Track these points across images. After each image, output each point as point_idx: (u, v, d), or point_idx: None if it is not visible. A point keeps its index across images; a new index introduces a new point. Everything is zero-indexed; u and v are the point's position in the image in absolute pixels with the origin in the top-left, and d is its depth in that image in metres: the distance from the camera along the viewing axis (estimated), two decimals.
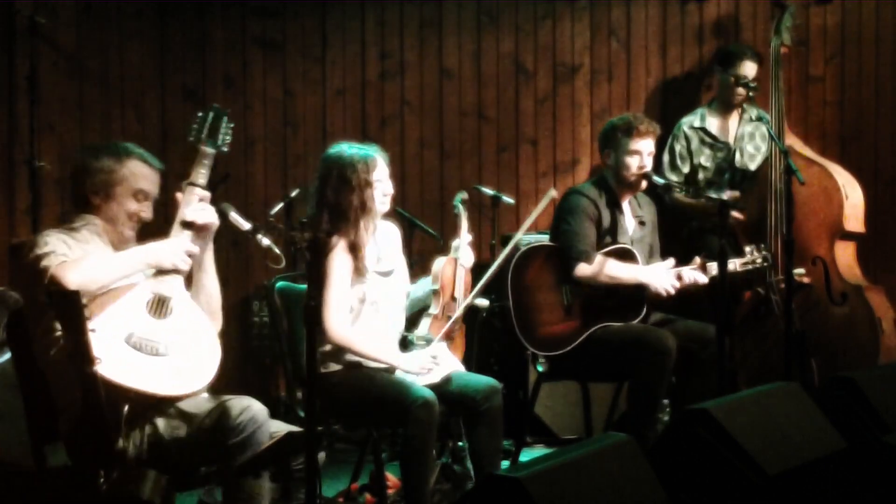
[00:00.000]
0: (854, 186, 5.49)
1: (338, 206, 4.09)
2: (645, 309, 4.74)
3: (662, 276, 4.67)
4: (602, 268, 4.70)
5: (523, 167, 6.37)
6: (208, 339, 3.38)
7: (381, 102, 6.44)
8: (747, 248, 4.74)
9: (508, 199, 5.77)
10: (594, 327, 4.72)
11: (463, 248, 4.45)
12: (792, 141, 5.55)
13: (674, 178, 5.68)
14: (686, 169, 5.74)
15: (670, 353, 4.53)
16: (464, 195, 4.69)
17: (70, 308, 2.90)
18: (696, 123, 5.76)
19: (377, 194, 4.11)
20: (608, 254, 4.75)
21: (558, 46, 6.32)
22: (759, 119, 5.49)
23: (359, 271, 4.08)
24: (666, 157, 5.76)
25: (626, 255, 4.76)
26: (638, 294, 4.73)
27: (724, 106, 5.76)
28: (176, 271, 3.37)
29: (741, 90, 5.58)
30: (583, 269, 4.70)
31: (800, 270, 5.19)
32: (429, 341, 4.25)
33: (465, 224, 4.54)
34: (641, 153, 4.80)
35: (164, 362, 3.24)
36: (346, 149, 4.15)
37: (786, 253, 4.64)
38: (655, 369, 4.53)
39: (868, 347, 5.27)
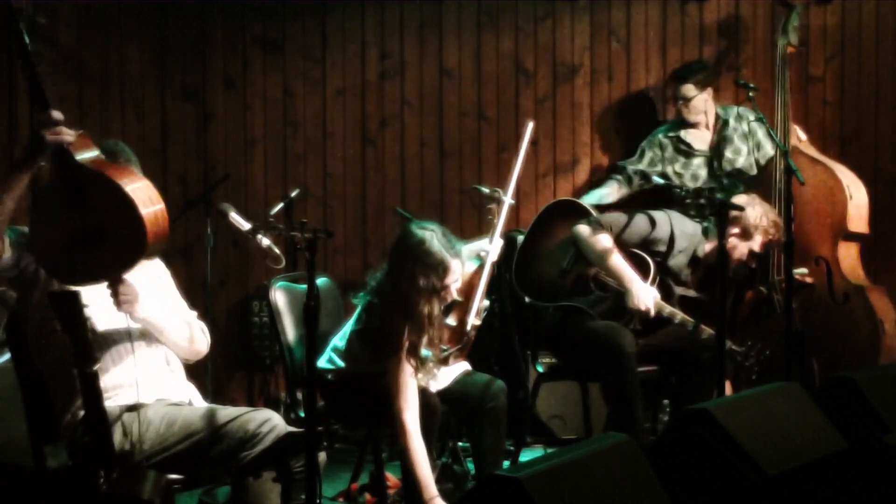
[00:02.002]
0: (858, 187, 5.48)
1: (405, 300, 3.92)
2: (629, 318, 4.76)
3: (648, 294, 4.68)
4: (600, 242, 4.75)
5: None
6: None
7: (381, 102, 6.44)
8: (749, 344, 4.76)
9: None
10: (572, 301, 4.80)
11: (493, 250, 4.42)
12: (797, 141, 5.54)
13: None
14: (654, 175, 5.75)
15: (628, 354, 4.55)
16: (497, 192, 4.69)
17: (70, 308, 2.90)
18: (671, 132, 5.77)
19: (444, 298, 3.97)
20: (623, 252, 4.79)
21: (558, 46, 6.32)
22: (741, 119, 5.50)
23: (416, 369, 3.98)
24: (642, 163, 5.81)
25: (639, 264, 4.77)
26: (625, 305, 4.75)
27: (683, 120, 5.77)
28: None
29: (682, 108, 5.64)
30: (582, 229, 4.79)
31: (802, 270, 5.19)
32: (447, 354, 4.25)
33: (497, 222, 4.53)
34: (750, 250, 4.84)
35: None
36: (433, 242, 3.91)
37: (786, 253, 4.64)
38: (616, 370, 4.56)
39: (869, 348, 5.26)
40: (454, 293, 4.00)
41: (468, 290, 4.32)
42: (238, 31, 6.47)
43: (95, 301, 3.28)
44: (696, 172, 5.72)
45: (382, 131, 6.37)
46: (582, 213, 4.98)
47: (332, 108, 6.45)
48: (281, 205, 5.66)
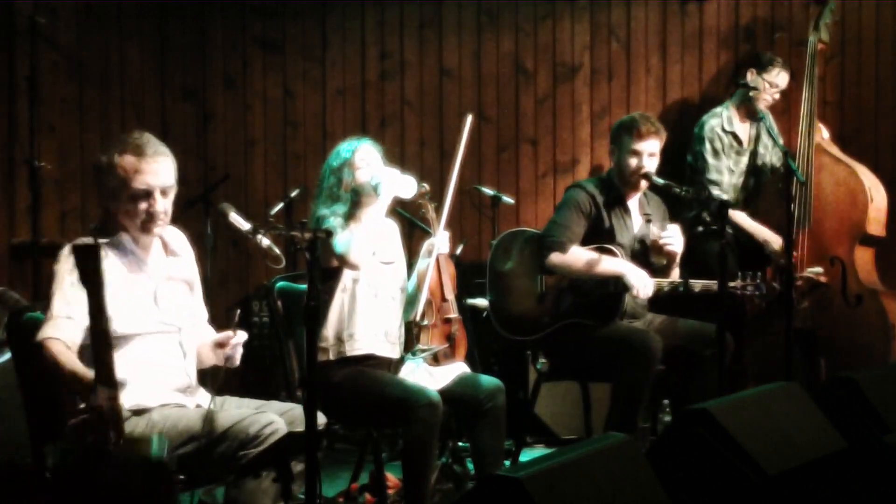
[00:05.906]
0: (879, 189, 5.43)
1: (326, 188, 4.17)
2: (619, 314, 4.74)
3: (643, 277, 4.66)
4: (577, 257, 4.71)
5: (523, 167, 6.37)
6: None
7: (381, 102, 6.44)
8: (740, 274, 4.72)
9: (508, 199, 5.78)
10: (564, 321, 4.76)
11: (439, 242, 4.32)
12: (820, 139, 5.52)
13: (724, 177, 5.62)
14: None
15: (654, 354, 4.53)
16: (423, 188, 4.55)
17: (90, 261, 2.87)
18: (727, 127, 5.64)
19: (360, 174, 4.11)
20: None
21: (558, 46, 6.32)
22: (761, 119, 5.48)
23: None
24: (710, 160, 5.61)
25: (608, 255, 4.77)
26: (614, 298, 4.72)
27: (748, 111, 5.67)
28: None
29: (768, 97, 5.54)
30: (555, 258, 4.71)
31: (818, 269, 5.18)
32: (433, 351, 4.24)
33: (433, 216, 4.42)
34: (642, 154, 4.80)
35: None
36: (341, 144, 4.26)
37: (786, 254, 4.63)
38: (638, 370, 4.54)
39: (879, 351, 5.22)
40: (372, 174, 4.10)
41: (422, 282, 4.28)
42: (238, 31, 6.47)
43: (115, 301, 3.26)
44: (741, 170, 5.66)
45: (382, 131, 6.37)
46: (519, 235, 4.95)
47: (332, 108, 6.45)
48: (281, 205, 5.66)
